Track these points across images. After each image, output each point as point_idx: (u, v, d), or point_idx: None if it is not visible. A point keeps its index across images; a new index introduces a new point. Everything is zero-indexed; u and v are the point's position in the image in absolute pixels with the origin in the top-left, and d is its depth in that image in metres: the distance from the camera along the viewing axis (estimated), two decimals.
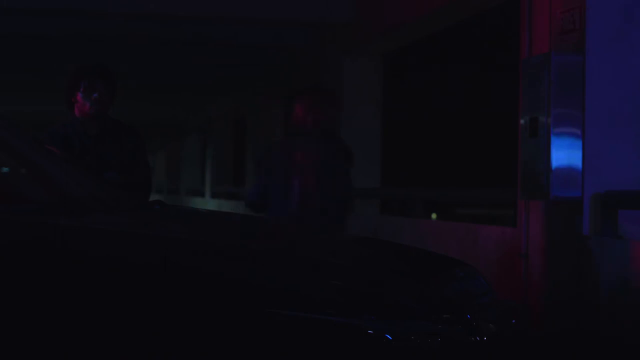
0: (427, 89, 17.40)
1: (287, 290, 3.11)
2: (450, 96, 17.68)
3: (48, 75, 15.60)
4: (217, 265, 3.19)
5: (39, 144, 4.34)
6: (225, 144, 24.12)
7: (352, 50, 12.46)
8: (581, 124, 6.65)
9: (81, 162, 5.28)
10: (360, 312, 3.06)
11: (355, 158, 6.65)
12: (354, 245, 4.12)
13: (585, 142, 6.63)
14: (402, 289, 3.26)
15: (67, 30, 12.85)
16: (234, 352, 3.01)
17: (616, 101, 6.68)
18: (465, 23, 11.16)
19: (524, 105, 6.99)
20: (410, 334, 3.05)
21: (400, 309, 3.13)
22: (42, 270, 3.12)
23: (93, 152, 5.49)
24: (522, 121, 7.01)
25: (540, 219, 7.15)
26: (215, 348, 3.01)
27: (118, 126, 5.63)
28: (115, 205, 4.11)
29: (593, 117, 6.65)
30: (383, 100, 12.76)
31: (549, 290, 7.02)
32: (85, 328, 3.04)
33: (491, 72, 16.03)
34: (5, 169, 4.20)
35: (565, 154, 6.67)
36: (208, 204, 23.73)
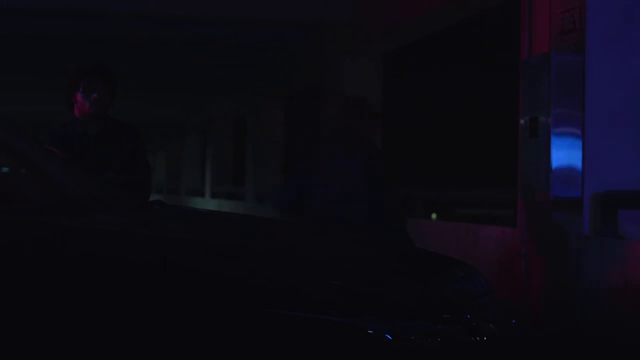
0: (427, 89, 17.38)
1: (287, 290, 3.10)
2: (450, 96, 17.67)
3: (48, 75, 15.59)
4: (217, 265, 3.19)
5: (39, 144, 4.34)
6: (225, 144, 24.12)
7: (352, 50, 12.45)
8: (581, 124, 6.65)
9: (81, 162, 5.27)
10: (360, 312, 3.06)
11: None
12: (354, 245, 4.12)
13: (585, 142, 6.63)
14: (402, 289, 3.26)
15: (67, 30, 12.85)
16: (234, 352, 3.01)
17: (616, 101, 6.68)
18: (465, 23, 11.15)
19: (524, 105, 6.99)
20: (410, 334, 3.05)
21: (400, 309, 3.13)
22: (42, 270, 3.12)
23: (93, 152, 5.48)
24: (522, 121, 7.01)
25: (540, 219, 7.15)
26: (215, 348, 3.01)
27: (118, 126, 5.62)
28: (115, 205, 4.11)
29: (593, 117, 6.65)
30: (383, 100, 12.76)
31: (549, 290, 7.02)
32: (85, 328, 3.04)
33: (491, 72, 16.01)
34: (5, 169, 4.20)
35: (565, 154, 6.67)
36: (208, 204, 23.73)
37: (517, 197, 7.31)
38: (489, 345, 3.23)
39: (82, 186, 4.20)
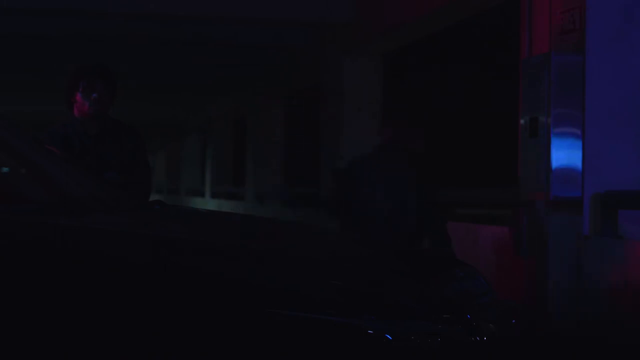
0: (427, 89, 17.37)
1: (287, 290, 3.10)
2: (450, 96, 17.66)
3: (48, 75, 15.60)
4: (217, 265, 3.19)
5: (39, 144, 4.34)
6: (225, 144, 24.13)
7: (352, 50, 12.46)
8: (581, 124, 6.65)
9: (81, 162, 5.27)
10: (360, 312, 3.05)
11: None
12: (354, 245, 4.12)
13: (585, 142, 6.63)
14: (402, 289, 3.26)
15: (67, 30, 12.85)
16: (234, 352, 3.01)
17: (616, 101, 6.68)
18: (465, 23, 11.15)
19: (524, 105, 6.99)
20: (410, 334, 3.05)
21: (400, 309, 3.13)
22: (42, 270, 3.12)
23: (93, 152, 5.48)
24: (522, 121, 7.01)
25: (540, 219, 7.15)
26: (215, 348, 3.01)
27: (118, 126, 5.62)
28: (115, 205, 4.11)
29: (593, 117, 6.65)
30: (383, 100, 12.77)
31: (549, 290, 7.02)
32: (85, 328, 3.04)
33: (491, 72, 16.01)
34: (5, 169, 4.20)
35: (565, 154, 6.67)
36: (208, 204, 23.73)
37: (517, 197, 7.31)
38: (489, 345, 3.23)
39: (82, 186, 4.20)
